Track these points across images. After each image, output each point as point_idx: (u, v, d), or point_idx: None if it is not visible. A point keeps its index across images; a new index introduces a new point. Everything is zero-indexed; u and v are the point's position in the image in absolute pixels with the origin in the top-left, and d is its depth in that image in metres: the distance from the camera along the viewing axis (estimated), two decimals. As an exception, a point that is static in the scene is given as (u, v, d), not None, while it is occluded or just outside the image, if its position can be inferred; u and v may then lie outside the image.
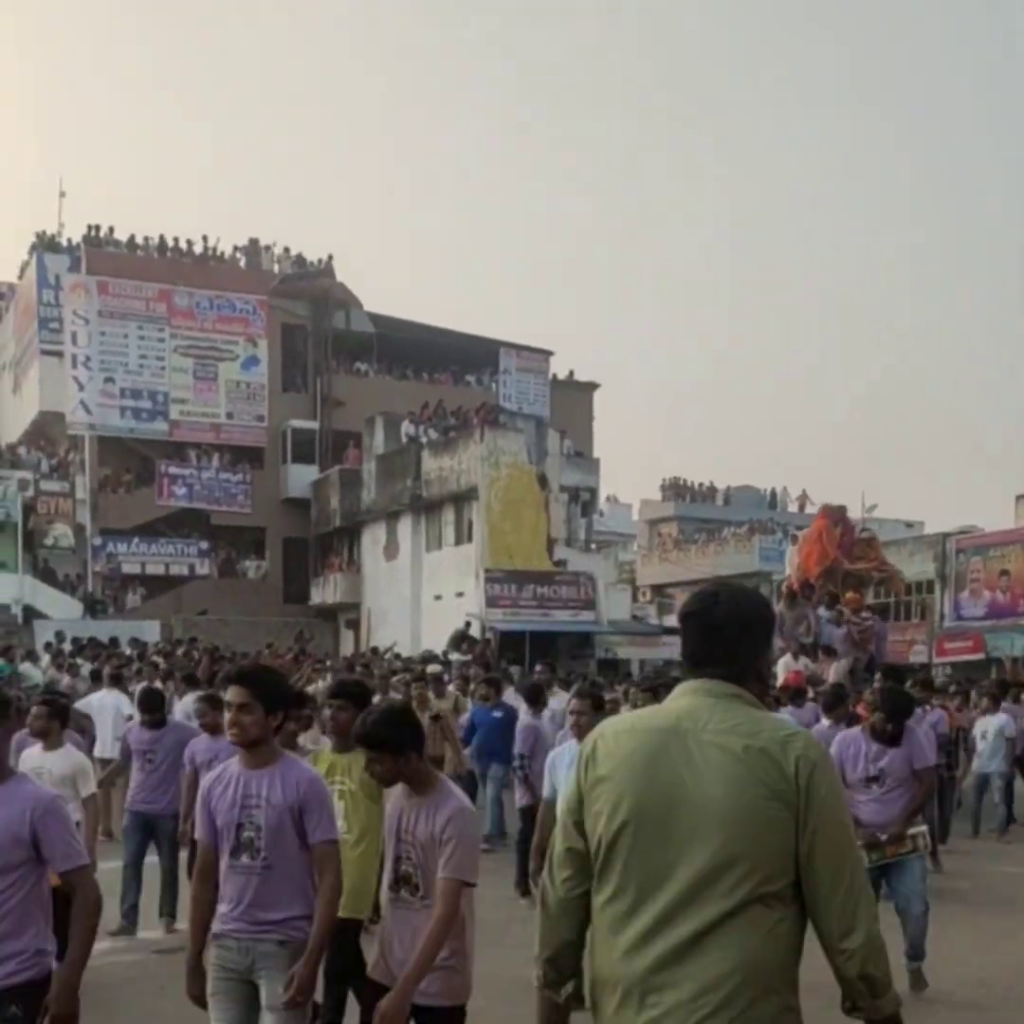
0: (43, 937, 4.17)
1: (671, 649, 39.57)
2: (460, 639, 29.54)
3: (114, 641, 27.11)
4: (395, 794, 4.69)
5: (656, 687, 12.05)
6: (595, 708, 7.46)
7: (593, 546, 40.18)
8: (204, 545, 42.31)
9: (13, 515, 38.63)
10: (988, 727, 15.27)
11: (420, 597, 36.62)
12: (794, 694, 13.99)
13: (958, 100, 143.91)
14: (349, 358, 45.95)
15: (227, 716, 4.64)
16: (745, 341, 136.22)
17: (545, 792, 7.60)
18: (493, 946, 8.78)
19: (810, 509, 49.74)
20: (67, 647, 26.06)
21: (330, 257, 46.81)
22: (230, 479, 43.09)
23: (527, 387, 46.73)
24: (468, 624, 31.23)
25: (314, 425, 44.27)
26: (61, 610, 37.43)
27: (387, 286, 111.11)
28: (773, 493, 64.46)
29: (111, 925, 9.02)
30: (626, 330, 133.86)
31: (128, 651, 25.35)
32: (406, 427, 38.88)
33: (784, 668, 18.06)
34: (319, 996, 4.96)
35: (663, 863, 2.72)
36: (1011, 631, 34.39)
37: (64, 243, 44.84)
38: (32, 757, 7.74)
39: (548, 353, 47.91)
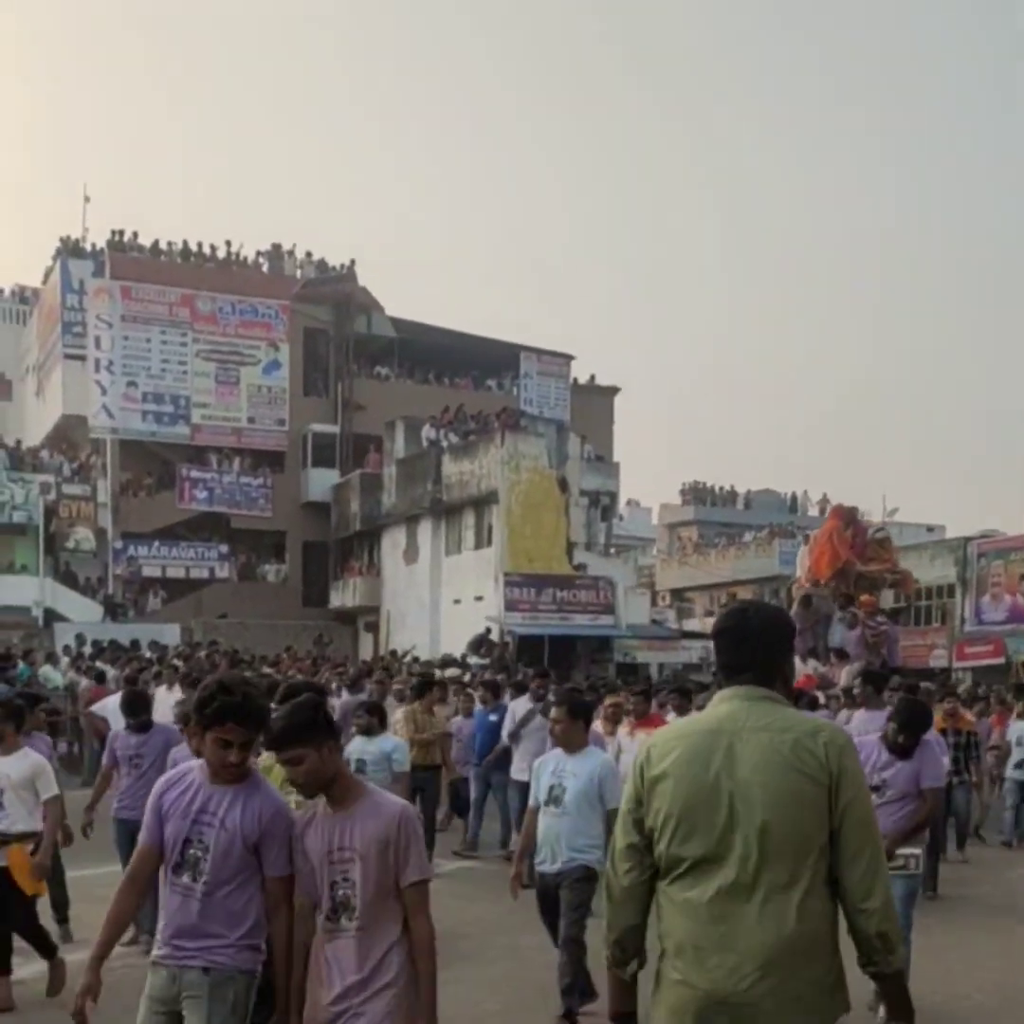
0: None
1: (690, 653, 39.59)
2: (479, 643, 29.56)
3: (135, 644, 27.22)
4: (314, 820, 4.18)
5: (644, 691, 12.30)
6: (572, 716, 7.13)
7: (612, 550, 40.14)
8: (224, 549, 42.40)
9: (35, 518, 38.81)
10: None
11: (439, 601, 36.63)
12: (803, 699, 13.76)
13: (954, 100, 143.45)
14: (370, 362, 46.01)
15: (228, 755, 4.22)
16: (766, 345, 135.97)
17: (530, 800, 7.35)
18: (509, 950, 8.86)
19: (831, 514, 49.55)
20: (87, 650, 26.15)
21: (352, 262, 46.98)
22: (251, 483, 43.19)
23: (548, 391, 46.67)
24: (488, 630, 31.23)
25: (335, 429, 44.33)
26: (81, 613, 37.55)
27: (409, 291, 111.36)
28: (793, 497, 64.32)
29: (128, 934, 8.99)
30: (647, 334, 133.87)
31: (148, 654, 25.45)
32: (427, 431, 38.91)
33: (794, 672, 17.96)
34: None
35: (716, 847, 3.13)
36: (1032, 636, 34.24)
37: (88, 248, 45.05)
38: None
39: (569, 357, 47.85)
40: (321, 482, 43.82)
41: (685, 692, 12.39)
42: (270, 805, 4.30)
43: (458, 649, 29.40)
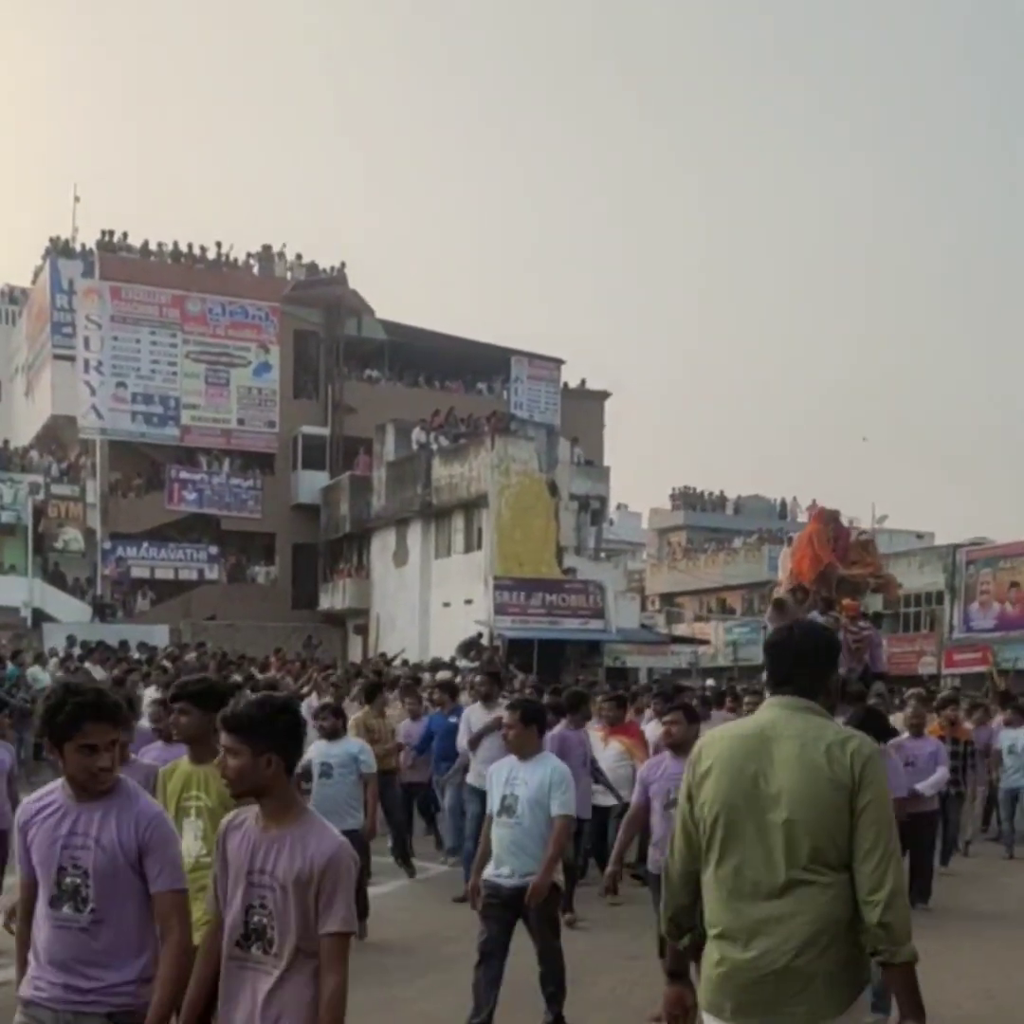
0: None
1: (679, 658, 39.68)
2: (469, 646, 29.51)
3: (123, 645, 27.15)
4: (242, 826, 3.80)
5: (617, 697, 12.26)
6: (525, 722, 6.94)
7: (602, 554, 40.14)
8: (213, 550, 42.33)
9: (23, 518, 38.72)
10: (1017, 740, 14.74)
11: (429, 604, 36.62)
12: None
13: (947, 101, 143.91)
14: (360, 365, 45.99)
15: (96, 761, 3.77)
16: (756, 352, 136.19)
17: (489, 807, 7.12)
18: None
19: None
20: (76, 651, 26.06)
21: (343, 264, 46.89)
22: (240, 485, 43.12)
23: (538, 395, 46.67)
24: (480, 634, 31.20)
25: (325, 431, 44.29)
26: (70, 614, 37.46)
27: (399, 294, 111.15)
28: (783, 503, 64.45)
29: None
30: (638, 339, 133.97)
31: (137, 655, 25.38)
32: (417, 434, 38.90)
33: None
34: None
35: (753, 840, 3.49)
36: (1020, 643, 34.32)
37: (78, 248, 44.91)
38: None
39: (559, 361, 47.86)
40: (311, 484, 43.78)
41: (667, 696, 12.35)
42: (147, 814, 3.88)
43: (447, 652, 29.36)
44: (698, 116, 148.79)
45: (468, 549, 35.40)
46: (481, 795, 10.08)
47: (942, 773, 11.38)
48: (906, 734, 11.51)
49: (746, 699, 11.39)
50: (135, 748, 8.41)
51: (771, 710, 3.66)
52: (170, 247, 44.83)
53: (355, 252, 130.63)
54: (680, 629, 48.71)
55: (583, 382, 49.86)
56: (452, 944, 8.91)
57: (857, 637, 19.48)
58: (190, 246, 45.00)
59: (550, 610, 33.21)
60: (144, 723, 10.72)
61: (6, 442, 43.09)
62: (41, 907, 3.85)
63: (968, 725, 15.17)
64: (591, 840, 11.62)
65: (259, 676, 19.76)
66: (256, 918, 3.67)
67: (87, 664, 22.24)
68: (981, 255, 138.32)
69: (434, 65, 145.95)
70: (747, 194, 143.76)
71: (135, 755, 5.92)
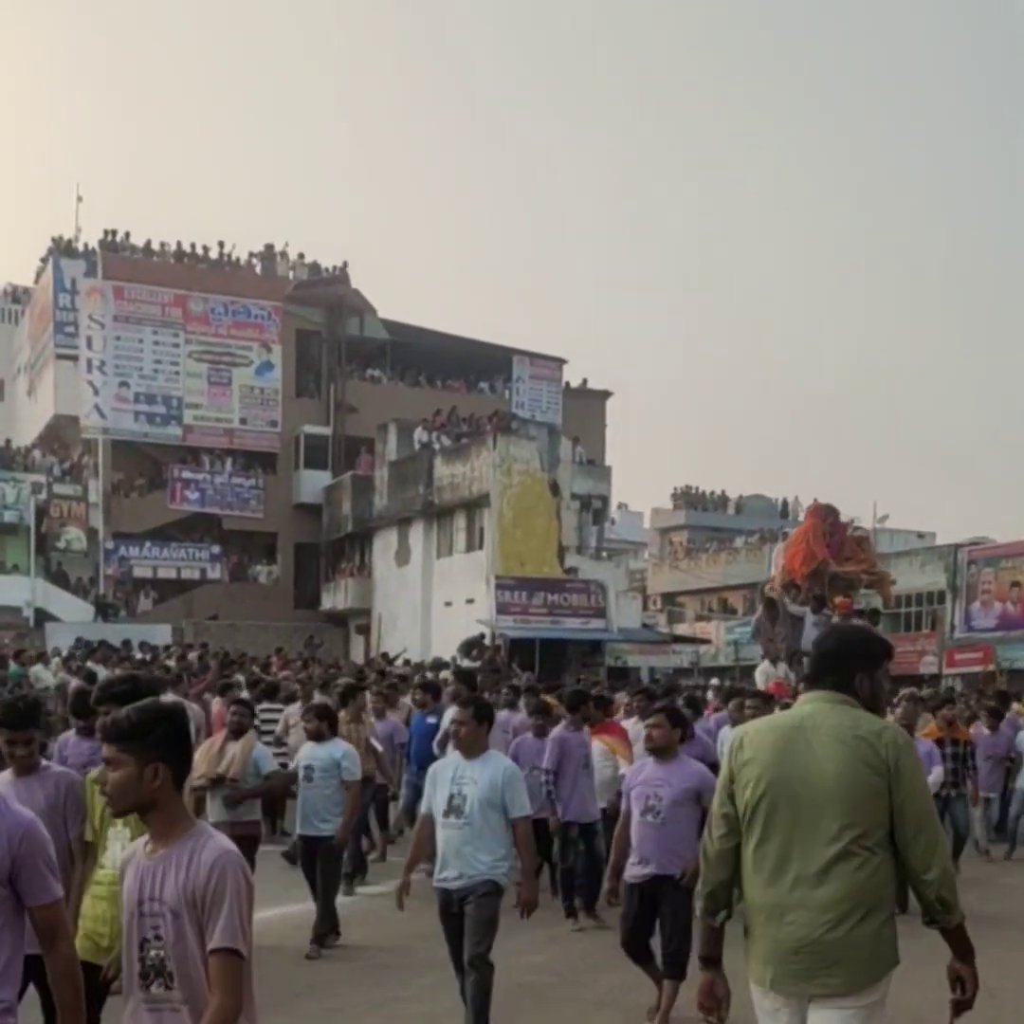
0: None
1: (681, 657, 39.67)
2: (471, 646, 29.54)
3: (126, 644, 27.20)
4: (131, 860, 3.50)
5: (602, 698, 12.02)
6: (477, 719, 6.73)
7: (604, 554, 40.15)
8: (215, 550, 42.37)
9: (26, 518, 38.77)
10: None
11: (431, 603, 36.65)
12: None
13: (946, 100, 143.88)
14: (363, 364, 46.01)
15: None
16: (758, 350, 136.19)
17: (422, 807, 6.86)
18: (497, 953, 8.80)
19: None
20: (79, 651, 26.11)
21: (345, 264, 46.86)
22: (242, 484, 43.17)
23: (540, 395, 46.70)
24: (482, 634, 31.23)
25: (327, 431, 44.32)
26: (73, 613, 37.55)
27: (401, 293, 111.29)
28: (785, 502, 64.37)
29: None
30: (640, 339, 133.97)
31: (139, 655, 25.43)
32: (419, 434, 38.92)
33: (763, 676, 17.69)
34: None
35: (793, 822, 3.79)
36: (1021, 642, 34.33)
37: (80, 248, 44.94)
38: None
39: (561, 361, 47.87)
40: (313, 484, 43.81)
41: (651, 694, 12.25)
42: (20, 825, 3.65)
43: (449, 652, 29.38)
44: (698, 116, 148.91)
45: (470, 548, 35.43)
46: None
47: (937, 774, 11.21)
48: None
49: (748, 703, 11.22)
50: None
51: (810, 704, 3.98)
52: (173, 247, 44.86)
53: (357, 251, 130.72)
54: (681, 629, 48.69)
55: (585, 382, 49.87)
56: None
57: None
58: (193, 246, 45.05)
59: (552, 610, 33.22)
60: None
61: (9, 442, 43.15)
62: None
63: (985, 730, 14.71)
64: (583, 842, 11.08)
65: (265, 676, 19.77)
66: (152, 952, 3.34)
67: (89, 663, 22.29)
68: (982, 254, 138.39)
69: (435, 65, 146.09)
70: (747, 193, 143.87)
71: (46, 761, 5.69)
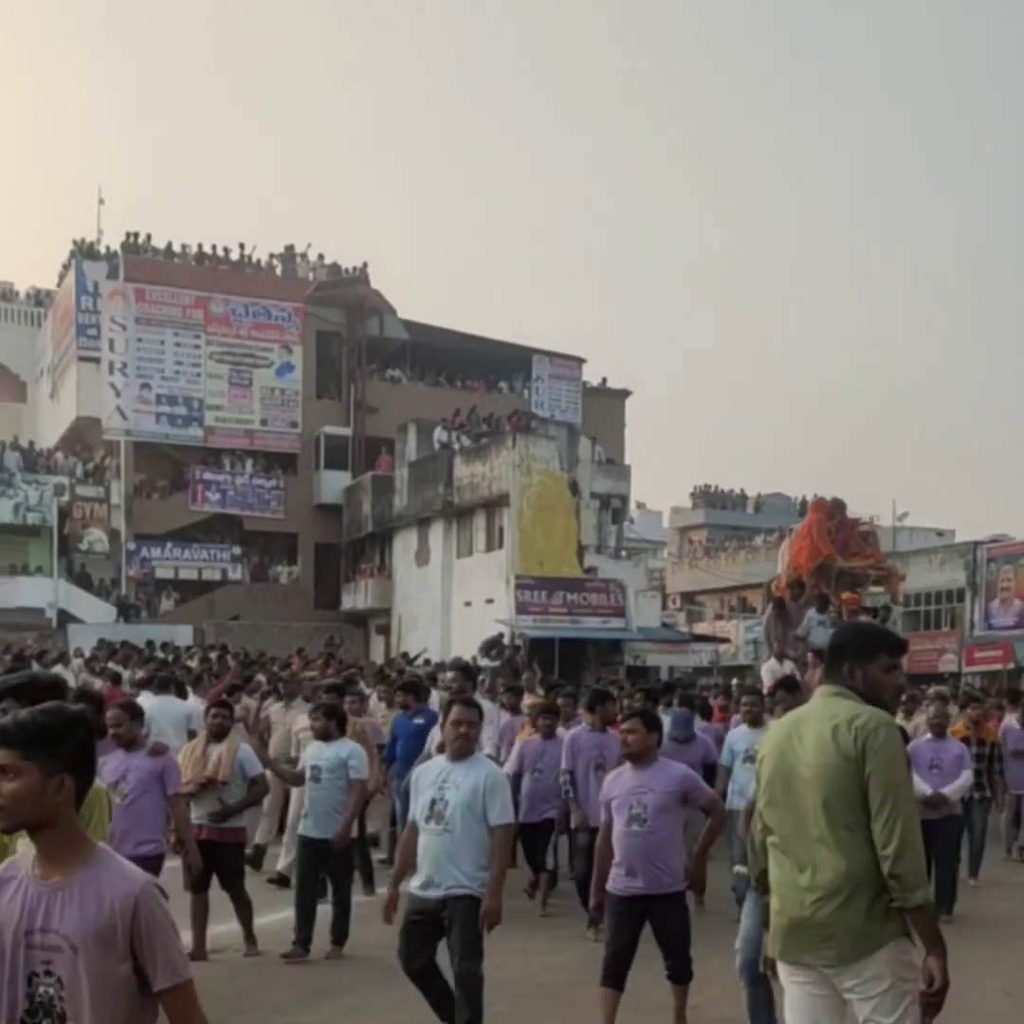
0: None
1: (700, 656, 39.63)
2: (491, 645, 29.57)
3: (149, 645, 27.36)
4: (12, 880, 3.04)
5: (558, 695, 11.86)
6: (480, 719, 6.56)
7: (623, 553, 40.15)
8: (237, 551, 42.56)
9: (49, 520, 39.04)
10: None
11: (450, 603, 36.69)
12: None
13: (957, 95, 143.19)
14: (382, 365, 46.12)
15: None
16: (777, 348, 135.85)
17: (409, 815, 6.52)
18: (517, 953, 8.92)
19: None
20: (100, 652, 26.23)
21: (365, 265, 46.98)
22: (263, 485, 43.34)
23: (559, 394, 46.78)
24: (502, 634, 31.27)
25: (347, 432, 44.44)
26: (95, 614, 37.74)
27: (421, 293, 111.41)
28: (804, 501, 64.06)
29: None
30: (659, 338, 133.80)
31: (160, 655, 25.57)
32: (438, 434, 38.98)
33: (769, 674, 17.57)
34: None
35: (788, 809, 4.14)
36: (1041, 640, 34.23)
37: (102, 250, 45.21)
38: None
39: (581, 360, 47.92)
40: (333, 484, 43.94)
41: (649, 693, 12.11)
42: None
43: (469, 652, 29.43)
44: (714, 116, 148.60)
45: (489, 548, 35.47)
46: None
47: (967, 777, 10.96)
48: (928, 735, 11.13)
49: (744, 700, 11.20)
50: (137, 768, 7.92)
51: (816, 698, 4.29)
52: (194, 249, 45.09)
53: (377, 252, 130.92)
54: (701, 627, 48.64)
55: (604, 381, 49.89)
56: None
57: None
58: (214, 247, 45.29)
59: (571, 609, 33.23)
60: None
61: (31, 444, 43.44)
62: None
63: (1016, 724, 14.24)
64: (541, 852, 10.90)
65: (283, 675, 19.86)
66: (41, 989, 2.95)
67: (111, 664, 22.41)
68: (1004, 250, 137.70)
69: (454, 65, 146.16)
70: (763, 190, 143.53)
71: None
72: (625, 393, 50.05)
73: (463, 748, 6.39)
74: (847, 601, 20.24)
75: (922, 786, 9.97)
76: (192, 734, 11.36)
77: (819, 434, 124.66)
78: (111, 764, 7.61)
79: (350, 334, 45.02)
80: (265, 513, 43.15)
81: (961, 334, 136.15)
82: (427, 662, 27.58)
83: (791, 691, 10.04)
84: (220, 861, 8.73)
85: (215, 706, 9.69)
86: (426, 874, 6.23)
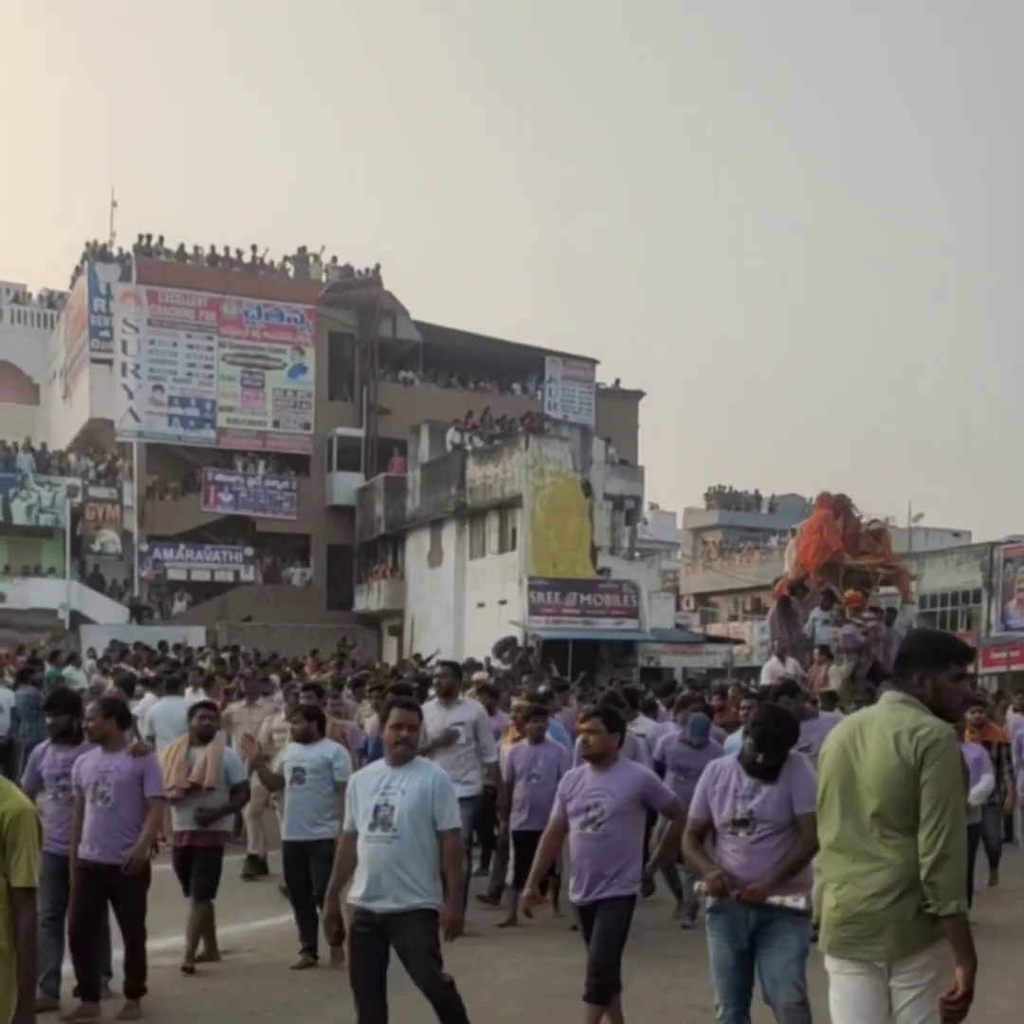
0: None
1: (714, 658, 39.48)
2: (505, 646, 29.53)
3: (162, 646, 27.35)
4: None
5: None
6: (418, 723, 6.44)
7: (637, 554, 40.09)
8: (249, 552, 42.58)
9: (62, 521, 39.07)
10: None
11: (463, 605, 36.66)
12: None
13: (964, 102, 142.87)
14: (395, 366, 46.12)
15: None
16: (791, 349, 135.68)
17: (346, 824, 6.22)
18: (529, 954, 8.85)
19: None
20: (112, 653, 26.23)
21: (377, 266, 46.95)
22: (276, 486, 43.36)
23: (572, 395, 46.76)
24: (515, 636, 31.22)
25: (360, 433, 44.45)
26: (107, 616, 37.76)
27: (434, 295, 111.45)
28: (818, 502, 64.07)
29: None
30: (672, 339, 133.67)
31: (173, 656, 25.55)
32: (451, 435, 38.96)
33: (770, 672, 17.39)
34: None
35: (846, 808, 4.24)
36: (1058, 642, 34.01)
37: (115, 252, 45.25)
38: None
39: (594, 362, 47.89)
40: (346, 486, 43.95)
41: (630, 696, 12.11)
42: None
43: (482, 653, 29.40)
44: (725, 117, 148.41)
45: (502, 550, 35.42)
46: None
47: (987, 781, 10.83)
48: None
49: (743, 704, 11.02)
50: (82, 751, 7.64)
51: (880, 703, 4.39)
52: (206, 251, 45.15)
53: (390, 254, 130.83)
54: (715, 629, 48.54)
55: (617, 382, 49.86)
56: (485, 945, 8.94)
57: (863, 630, 18.66)
58: (226, 249, 45.30)
59: (584, 610, 33.19)
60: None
61: (44, 445, 43.51)
62: None
63: (998, 727, 13.94)
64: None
65: (296, 676, 19.81)
66: None
67: (122, 664, 22.40)
68: (1017, 251, 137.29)
69: (466, 66, 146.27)
70: (777, 190, 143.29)
71: None
72: (638, 394, 49.99)
73: (404, 753, 6.10)
74: (851, 599, 20.03)
75: None
76: None
77: (834, 435, 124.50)
78: (89, 763, 7.33)
79: (363, 336, 45.03)
80: (278, 514, 43.17)
81: (978, 334, 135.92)
82: (440, 663, 27.50)
83: (793, 695, 9.93)
84: (197, 865, 8.44)
85: (201, 707, 9.42)
86: (371, 884, 5.91)
